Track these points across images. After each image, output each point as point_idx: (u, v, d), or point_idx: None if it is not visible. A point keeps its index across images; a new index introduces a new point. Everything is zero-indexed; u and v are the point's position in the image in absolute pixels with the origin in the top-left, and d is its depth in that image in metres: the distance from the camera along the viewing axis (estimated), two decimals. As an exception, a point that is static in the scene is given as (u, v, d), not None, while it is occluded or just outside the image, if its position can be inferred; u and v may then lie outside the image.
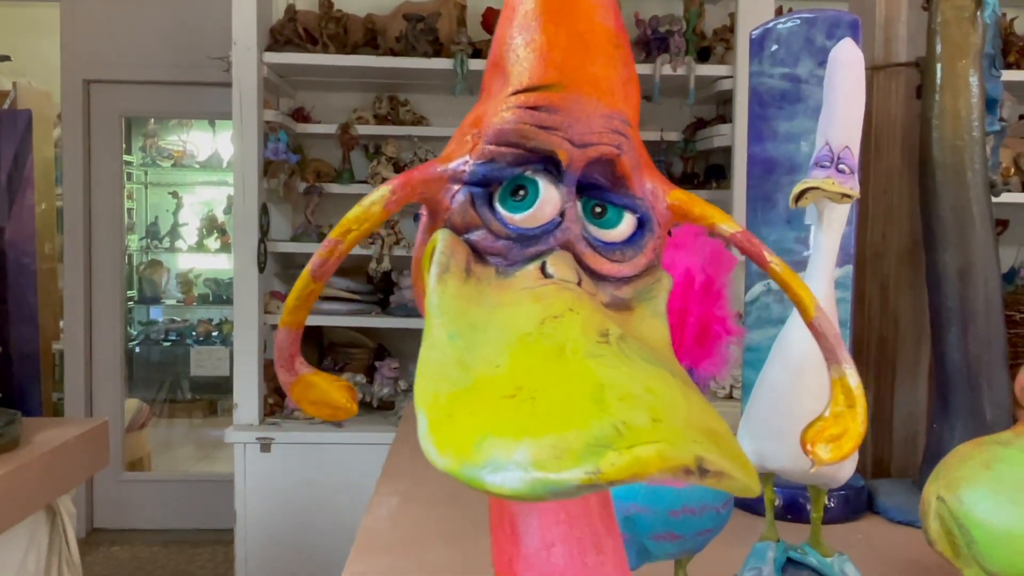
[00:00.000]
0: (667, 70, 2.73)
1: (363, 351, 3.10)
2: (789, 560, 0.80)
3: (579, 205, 0.25)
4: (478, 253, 0.24)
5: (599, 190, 0.25)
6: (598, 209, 0.25)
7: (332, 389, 0.31)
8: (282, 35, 2.72)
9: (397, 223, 2.85)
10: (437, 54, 2.74)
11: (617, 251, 0.25)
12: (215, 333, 5.08)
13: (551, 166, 0.24)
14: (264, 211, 2.70)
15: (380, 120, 2.99)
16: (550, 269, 0.23)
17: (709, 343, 0.60)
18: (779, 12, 2.82)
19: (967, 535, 0.61)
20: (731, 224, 0.31)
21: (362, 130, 2.92)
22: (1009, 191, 2.69)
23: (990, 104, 1.21)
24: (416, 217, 2.97)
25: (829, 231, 0.74)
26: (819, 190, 0.69)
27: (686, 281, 0.60)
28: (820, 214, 0.74)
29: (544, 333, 0.21)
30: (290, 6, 2.80)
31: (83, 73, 3.21)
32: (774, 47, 1.11)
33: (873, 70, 1.20)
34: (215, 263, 5.23)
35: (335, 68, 2.80)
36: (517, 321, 0.21)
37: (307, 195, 2.85)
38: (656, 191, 0.27)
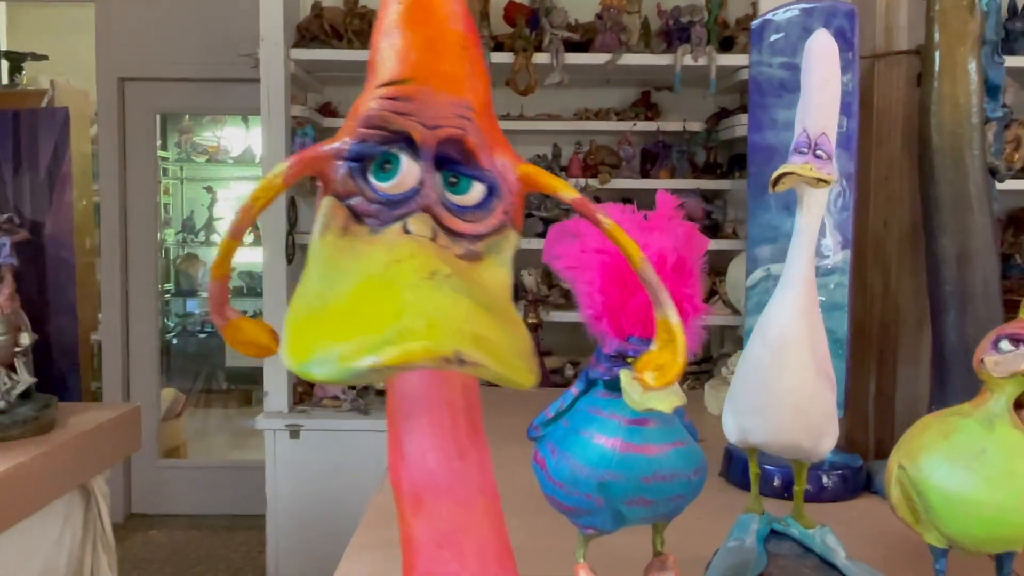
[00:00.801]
0: (688, 60, 2.74)
1: (390, 341, 3.16)
2: (773, 532, 0.83)
3: (437, 176, 0.30)
4: (357, 215, 0.29)
5: (453, 164, 0.30)
6: (453, 179, 0.31)
7: (258, 332, 0.36)
8: (308, 31, 2.78)
9: (421, 215, 2.90)
10: (460, 48, 2.78)
11: (469, 213, 0.30)
12: (247, 325, 5.18)
13: (409, 144, 0.29)
14: (292, 204, 2.77)
15: (405, 114, 3.03)
16: (410, 227, 0.29)
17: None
18: None
19: (924, 501, 0.63)
20: (570, 192, 0.36)
21: (387, 124, 2.97)
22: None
23: (993, 91, 1.22)
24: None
25: (808, 214, 0.77)
26: (795, 175, 0.72)
27: (659, 261, 0.63)
28: (800, 198, 0.77)
29: (385, 273, 0.26)
30: (316, 3, 2.86)
31: (118, 71, 3.30)
32: (773, 37, 1.13)
33: (874, 58, 1.22)
34: (250, 256, 5.32)
35: (360, 63, 2.85)
36: (370, 265, 0.26)
37: (334, 188, 2.91)
38: (507, 165, 0.32)
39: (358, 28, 2.81)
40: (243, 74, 2.79)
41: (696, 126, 2.98)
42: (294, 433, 2.68)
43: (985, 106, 1.20)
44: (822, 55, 0.74)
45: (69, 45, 4.02)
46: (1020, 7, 2.87)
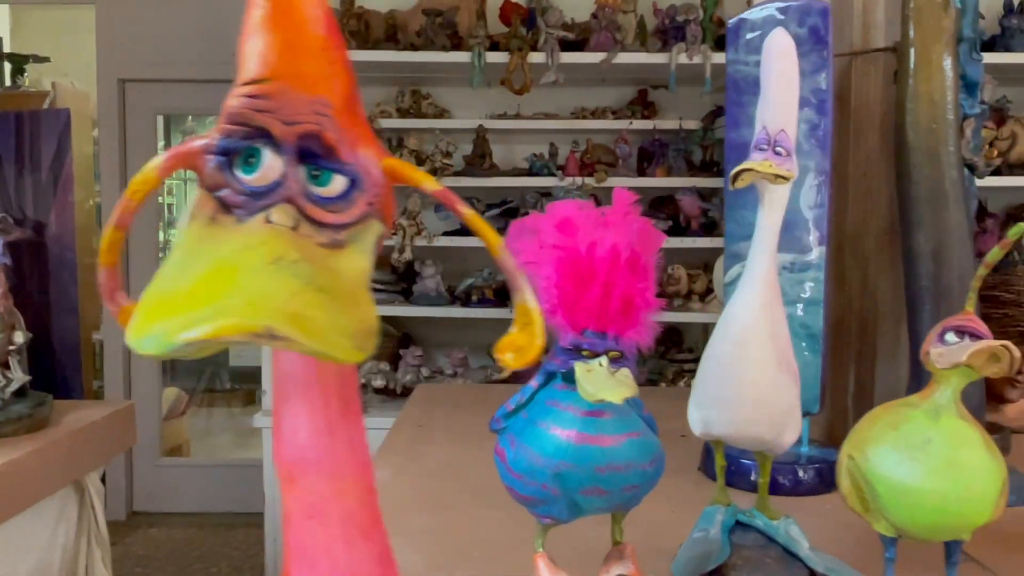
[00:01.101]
0: (683, 59, 2.75)
1: (388, 340, 3.18)
2: (739, 523, 0.84)
3: (300, 169, 0.32)
4: (227, 206, 0.31)
5: (315, 158, 0.32)
6: (315, 172, 0.33)
7: None
8: (305, 32, 2.80)
9: (419, 214, 2.92)
10: (456, 47, 2.80)
11: (332, 204, 0.32)
12: (252, 324, 5.22)
13: (270, 139, 0.31)
14: (289, 204, 2.78)
15: (403, 114, 3.06)
16: (272, 217, 0.31)
17: (633, 314, 0.64)
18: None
19: (872, 490, 0.64)
20: (433, 184, 0.37)
21: (385, 123, 2.99)
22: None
23: (971, 87, 1.23)
24: (437, 208, 3.03)
25: (769, 210, 0.78)
26: (753, 171, 0.73)
27: (612, 256, 0.64)
28: (761, 195, 0.78)
29: (233, 258, 0.28)
30: (313, 4, 2.88)
31: (118, 73, 3.33)
32: (749, 35, 1.15)
33: (851, 56, 1.22)
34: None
35: (357, 63, 2.83)
36: (222, 251, 0.28)
37: (331, 188, 2.93)
38: (370, 159, 0.34)
39: (355, 29, 2.83)
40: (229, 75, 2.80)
41: (692, 124, 2.99)
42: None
43: (963, 103, 1.21)
44: (780, 53, 0.75)
45: (72, 47, 4.06)
46: (1016, 4, 2.87)
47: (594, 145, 3.05)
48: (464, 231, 2.92)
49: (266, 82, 0.32)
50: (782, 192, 0.78)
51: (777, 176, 0.74)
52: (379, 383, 2.89)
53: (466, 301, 2.96)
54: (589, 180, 2.92)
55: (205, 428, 4.75)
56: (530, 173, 3.02)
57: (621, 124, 3.02)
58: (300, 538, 0.35)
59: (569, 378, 0.64)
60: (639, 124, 3.01)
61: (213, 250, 0.29)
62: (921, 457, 0.62)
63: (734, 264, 1.18)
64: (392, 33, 2.86)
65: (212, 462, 3.84)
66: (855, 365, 1.25)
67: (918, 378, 1.14)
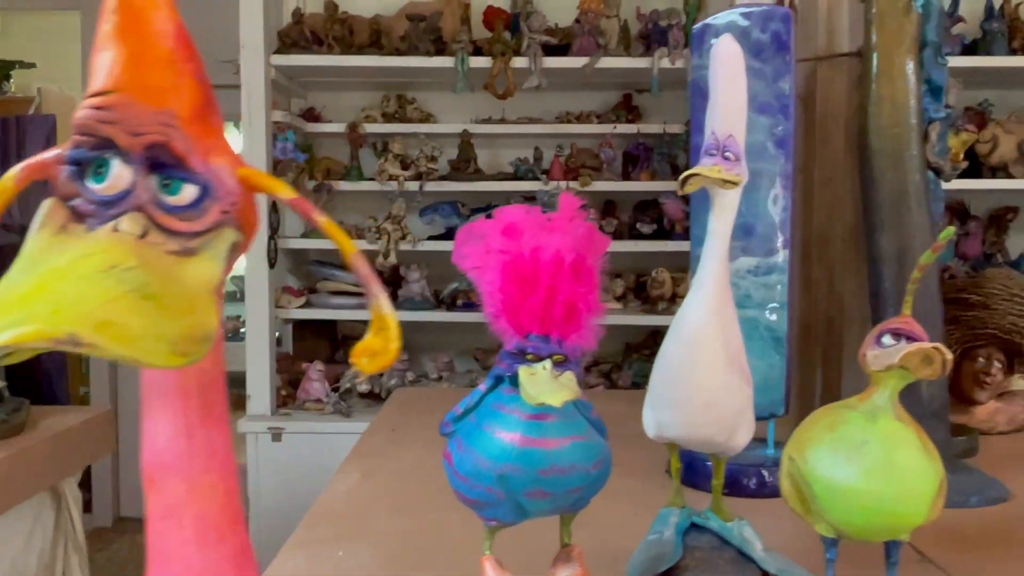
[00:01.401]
0: (666, 63, 2.76)
1: (374, 344, 3.18)
2: (694, 524, 0.85)
3: (152, 179, 0.33)
4: (80, 215, 0.32)
5: (165, 167, 0.33)
6: (166, 182, 0.34)
7: None
8: (289, 38, 2.81)
9: (403, 219, 2.92)
10: (440, 52, 2.81)
11: (183, 212, 0.33)
12: (242, 330, 5.22)
13: (117, 150, 0.32)
14: (274, 209, 2.79)
15: (388, 118, 3.06)
16: (120, 225, 0.32)
17: (576, 318, 0.65)
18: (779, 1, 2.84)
19: (811, 491, 0.65)
20: (288, 192, 0.38)
21: (370, 128, 3.00)
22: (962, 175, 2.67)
23: (936, 91, 1.24)
24: (422, 212, 3.03)
25: (720, 215, 0.79)
26: (701, 176, 0.74)
27: (556, 261, 0.65)
28: (711, 200, 0.79)
29: (68, 266, 0.29)
30: (296, 10, 2.89)
31: (104, 79, 3.33)
32: (712, 41, 1.15)
33: (817, 60, 1.23)
34: (240, 262, 5.35)
35: (342, 68, 2.88)
36: (60, 259, 0.29)
37: (316, 193, 2.93)
38: (224, 168, 0.34)
39: (339, 34, 2.84)
40: (227, 80, 2.81)
41: (676, 128, 3.00)
42: (276, 436, 2.70)
43: (928, 107, 1.22)
44: (726, 60, 0.76)
45: (59, 52, 4.05)
46: (997, 8, 2.89)
47: (579, 149, 3.06)
48: (449, 235, 2.93)
49: (111, 94, 0.33)
50: (732, 197, 0.79)
51: (725, 181, 0.75)
52: (364, 387, 2.89)
53: (451, 305, 2.97)
54: (574, 184, 2.93)
55: (194, 433, 4.73)
56: (515, 177, 3.02)
57: (605, 128, 3.03)
58: (156, 540, 0.36)
59: (515, 382, 0.65)
60: (623, 128, 3.02)
61: (52, 259, 0.30)
62: (857, 458, 0.62)
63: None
64: (376, 38, 2.87)
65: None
66: (822, 367, 1.26)
67: (882, 380, 1.15)
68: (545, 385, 0.62)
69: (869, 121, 1.14)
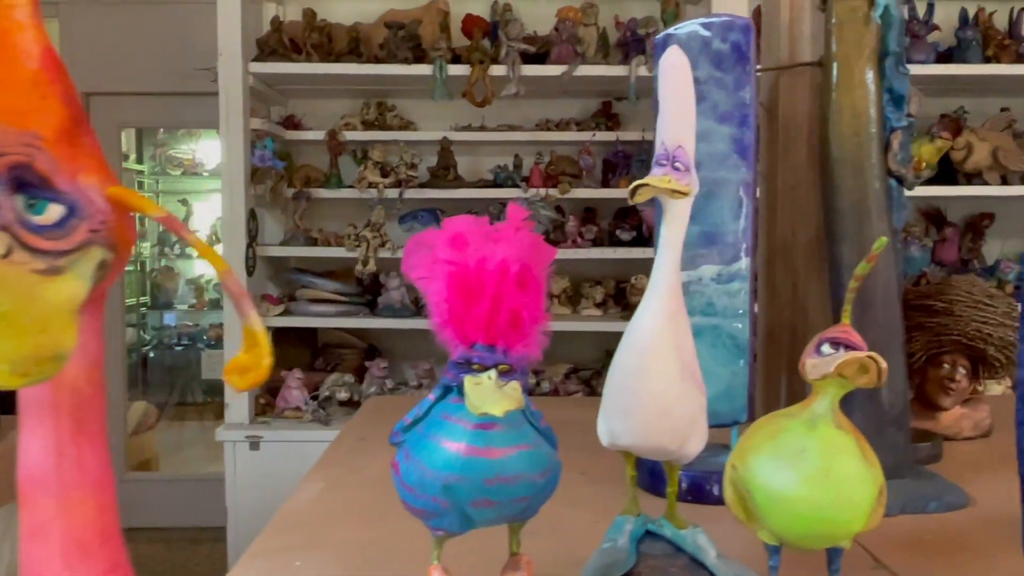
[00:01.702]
0: (643, 71, 2.78)
1: (354, 352, 3.18)
2: (648, 532, 0.85)
3: (17, 198, 0.33)
4: None
5: (30, 187, 0.33)
6: (32, 201, 0.34)
7: None
8: (267, 45, 2.81)
9: (383, 226, 2.92)
10: (419, 60, 2.81)
11: (49, 232, 0.33)
12: (225, 337, 5.21)
13: None
14: (252, 216, 2.79)
15: (367, 126, 3.07)
16: None
17: (521, 328, 0.66)
18: (756, 13, 2.85)
19: (752, 499, 0.66)
20: (158, 211, 0.39)
21: (350, 136, 3.01)
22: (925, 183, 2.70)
23: (898, 100, 1.25)
24: (401, 220, 3.03)
25: (671, 224, 0.79)
26: (650, 186, 0.74)
27: (501, 271, 0.65)
28: (663, 210, 0.79)
29: None
30: (275, 17, 2.89)
31: (82, 86, 3.31)
32: (674, 50, 1.16)
33: (779, 70, 1.25)
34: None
35: (321, 76, 2.88)
36: None
37: (295, 200, 2.94)
38: (92, 187, 0.35)
39: (317, 42, 2.84)
40: (208, 88, 2.81)
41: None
42: (254, 444, 2.69)
43: (890, 116, 1.23)
44: (673, 71, 0.77)
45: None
46: (971, 17, 2.92)
47: (558, 157, 3.07)
48: (428, 243, 2.92)
49: (-30, 118, 0.33)
50: (683, 206, 0.79)
51: (674, 191, 0.75)
52: (343, 395, 2.88)
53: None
54: (553, 191, 2.94)
55: (176, 442, 4.71)
56: (495, 185, 3.03)
57: (585, 136, 3.04)
58: (26, 557, 0.37)
59: (462, 391, 0.65)
60: (603, 136, 3.04)
61: None
62: (796, 466, 0.63)
63: (664, 276, 1.19)
64: (355, 46, 2.87)
65: (179, 476, 3.82)
66: (787, 374, 1.27)
67: (844, 387, 1.16)
68: (489, 395, 0.62)
69: (830, 130, 1.15)
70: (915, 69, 2.84)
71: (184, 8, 3.23)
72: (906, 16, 2.84)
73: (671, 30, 1.18)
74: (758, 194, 1.34)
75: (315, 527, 1.02)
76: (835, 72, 1.15)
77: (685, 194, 0.76)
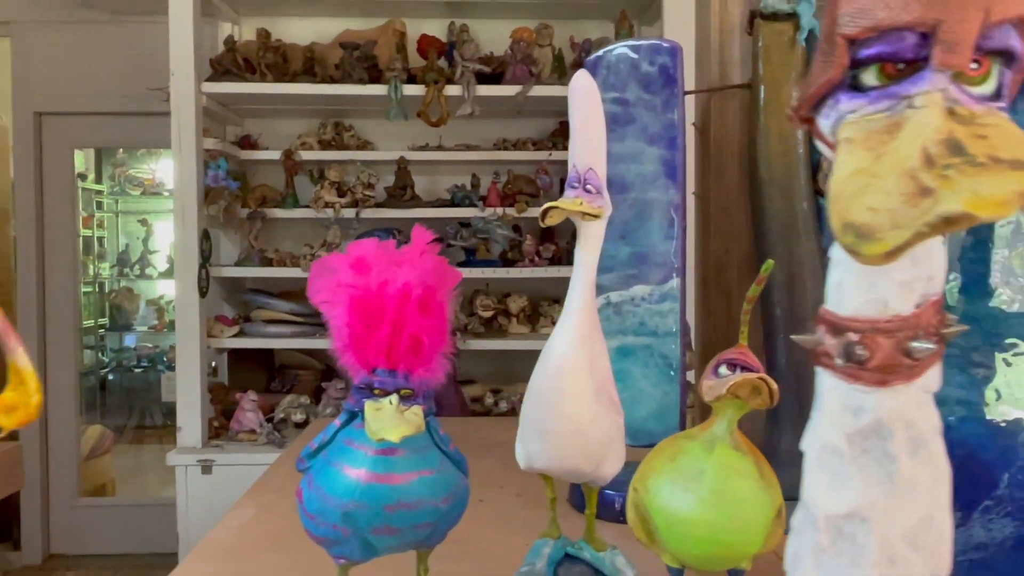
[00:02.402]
0: (597, 91, 2.79)
1: (311, 373, 3.15)
2: (567, 555, 0.85)
3: None
4: None
5: None
6: None
7: None
8: (221, 65, 2.79)
9: (339, 246, 2.90)
10: (375, 80, 2.81)
11: None
12: (186, 358, 5.14)
13: None
14: (206, 237, 2.76)
15: (324, 145, 3.06)
16: None
17: (422, 353, 0.65)
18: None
19: (652, 522, 0.66)
20: None
21: (306, 155, 2.99)
22: None
23: (828, 121, 1.27)
24: (357, 240, 3.03)
25: (585, 247, 0.79)
26: (560, 209, 0.75)
27: (403, 295, 0.65)
28: (578, 232, 0.80)
29: None
30: (228, 37, 2.88)
31: (34, 106, 3.28)
32: (605, 73, 1.17)
33: (710, 92, 1.26)
34: (172, 289, 5.29)
35: (276, 96, 2.87)
36: None
37: (250, 220, 2.91)
38: None
39: (272, 61, 2.83)
40: (162, 108, 2.78)
41: (611, 155, 3.03)
42: (206, 468, 2.65)
43: (820, 137, 1.25)
44: (582, 95, 0.77)
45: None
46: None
47: (515, 176, 3.07)
48: (384, 262, 2.91)
49: None
50: (597, 229, 0.80)
51: (585, 214, 0.76)
52: (299, 417, 2.85)
53: (388, 333, 2.95)
54: (510, 210, 2.94)
55: (134, 466, 4.63)
56: (452, 204, 3.03)
57: (541, 155, 3.05)
58: None
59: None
60: (559, 155, 3.05)
61: None
62: (694, 488, 0.63)
63: (598, 296, 1.19)
64: (310, 66, 2.86)
65: (134, 502, 3.75)
66: (722, 393, 1.27)
67: (774, 407, 1.17)
68: (388, 421, 0.62)
69: (758, 151, 1.17)
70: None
71: (138, 27, 3.21)
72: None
73: (600, 52, 1.19)
74: (692, 214, 1.35)
75: (237, 555, 1.00)
76: (763, 95, 1.17)
77: (596, 216, 0.77)
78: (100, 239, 5.29)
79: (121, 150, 5.09)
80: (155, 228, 5.32)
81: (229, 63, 2.79)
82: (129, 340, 5.41)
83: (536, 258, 2.99)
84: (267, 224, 3.00)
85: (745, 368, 0.64)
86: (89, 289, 5.14)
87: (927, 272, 0.43)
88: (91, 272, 5.16)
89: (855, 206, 0.35)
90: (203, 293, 2.73)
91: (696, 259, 1.28)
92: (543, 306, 3.07)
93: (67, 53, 3.26)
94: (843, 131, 0.40)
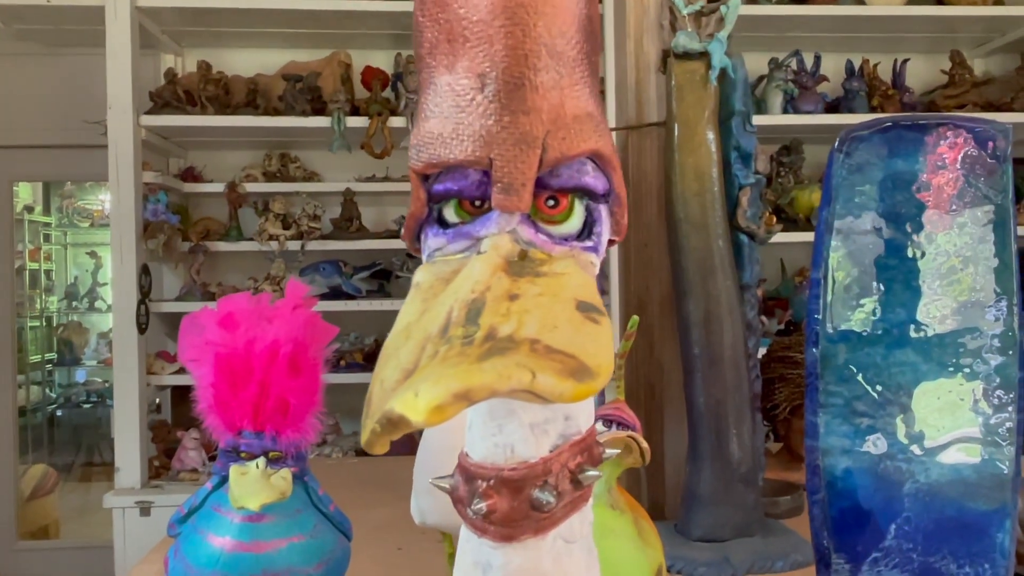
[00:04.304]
0: (542, 122, 2.80)
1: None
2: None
3: None
4: None
5: None
6: None
7: None
8: (161, 98, 2.76)
9: (283, 279, 2.87)
10: (319, 112, 2.80)
11: None
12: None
13: None
14: (145, 272, 2.70)
15: (269, 177, 3.03)
16: None
17: (291, 413, 0.63)
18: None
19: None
20: None
21: (251, 187, 2.96)
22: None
23: (746, 158, 1.27)
24: (302, 272, 2.98)
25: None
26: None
27: (271, 353, 0.63)
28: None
29: None
30: (169, 69, 2.85)
31: (-29, 139, 3.22)
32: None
33: (628, 129, 1.26)
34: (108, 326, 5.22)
35: (219, 128, 2.84)
36: None
37: (192, 254, 2.86)
38: None
39: (213, 94, 2.80)
40: (95, 141, 2.74)
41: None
42: (144, 510, 2.58)
43: (739, 173, 1.25)
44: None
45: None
46: (856, 68, 3.04)
47: (463, 206, 3.07)
48: (331, 295, 2.88)
49: None
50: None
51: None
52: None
53: (335, 366, 2.91)
54: (457, 241, 2.93)
55: (81, 505, 4.50)
56: (399, 235, 3.01)
57: (489, 185, 3.05)
58: None
59: (233, 480, 0.62)
60: (506, 185, 3.05)
61: None
62: (568, 551, 0.61)
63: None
64: (253, 98, 2.84)
65: (77, 544, 3.64)
66: (646, 431, 1.26)
67: (693, 444, 1.16)
68: (251, 487, 0.60)
69: (673, 190, 1.17)
70: (804, 119, 2.93)
71: (77, 60, 3.17)
72: (792, 70, 2.95)
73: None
74: (616, 253, 1.34)
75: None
76: (677, 133, 1.17)
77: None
78: (48, 272, 5.19)
79: (69, 182, 5.01)
80: (105, 260, 5.22)
81: (169, 95, 2.75)
82: (79, 375, 5.29)
83: (484, 289, 2.97)
84: (210, 257, 2.95)
85: (621, 424, 0.63)
86: (36, 323, 5.02)
87: (563, 412, 0.38)
88: (38, 306, 5.05)
89: (383, 371, 0.31)
90: (142, 329, 2.67)
91: (619, 298, 1.27)
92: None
93: (4, 86, 3.21)
94: (417, 273, 0.36)
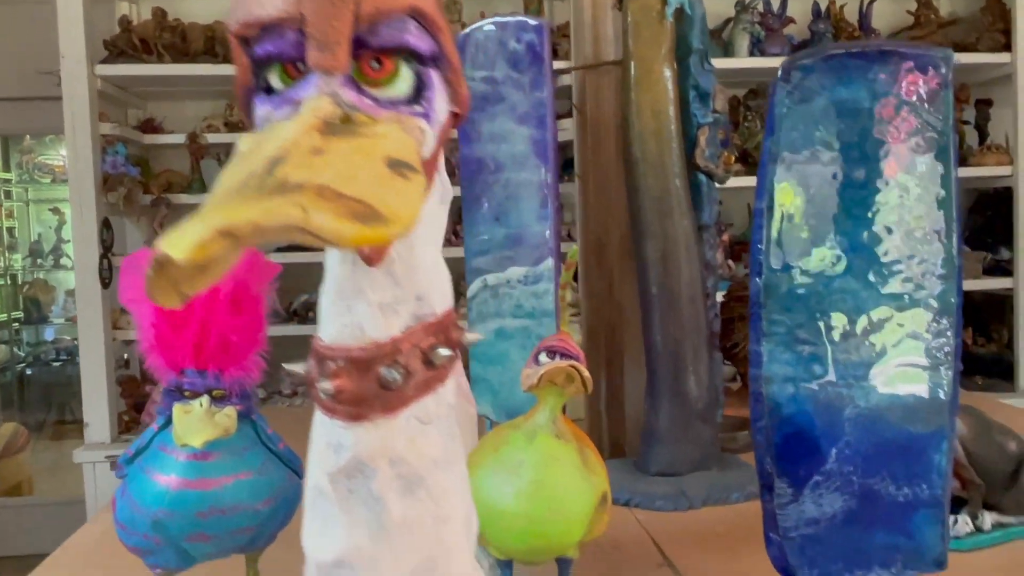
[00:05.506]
0: (508, 68, 2.76)
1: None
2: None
3: None
4: None
5: None
6: None
7: None
8: (116, 47, 2.68)
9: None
10: (279, 60, 2.73)
11: None
12: (106, 350, 4.99)
13: None
14: (107, 225, 2.66)
15: (232, 127, 2.97)
16: None
17: (234, 351, 0.63)
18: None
19: (478, 515, 0.64)
20: None
21: (213, 138, 2.90)
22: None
23: (704, 97, 1.26)
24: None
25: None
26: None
27: (211, 292, 0.62)
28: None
29: None
30: (123, 17, 2.77)
31: (-77, 93, 3.12)
32: (473, 51, 1.15)
33: (583, 69, 1.24)
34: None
35: (177, 78, 2.78)
36: None
37: (154, 207, 2.82)
38: None
39: (170, 42, 2.73)
40: (50, 92, 2.66)
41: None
42: (115, 464, 2.57)
43: (697, 112, 1.24)
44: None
45: None
46: (823, 9, 3.02)
47: (430, 155, 3.03)
48: (296, 247, 2.85)
49: None
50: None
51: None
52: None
53: (304, 318, 2.90)
54: (424, 191, 2.91)
55: (53, 462, 4.48)
56: (365, 185, 2.98)
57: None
58: None
59: (178, 419, 0.62)
60: (473, 133, 3.02)
61: None
62: (513, 479, 0.62)
63: (474, 279, 1.18)
64: (211, 46, 2.77)
65: (48, 500, 3.64)
66: (606, 372, 1.27)
67: (651, 383, 1.17)
68: (194, 424, 0.59)
69: (630, 129, 1.16)
70: (771, 61, 2.91)
71: (28, 8, 3.07)
72: (758, 12, 2.92)
73: (468, 30, 1.16)
74: (578, 195, 1.34)
75: (95, 568, 0.96)
76: (633, 71, 1.16)
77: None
78: (10, 229, 5.09)
79: (28, 136, 4.89)
80: (68, 217, 5.13)
81: (124, 44, 2.68)
82: (47, 333, 5.23)
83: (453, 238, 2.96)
84: (173, 210, 2.90)
85: (564, 355, 0.63)
86: (1, 282, 4.95)
87: (413, 292, 0.39)
88: (2, 264, 4.96)
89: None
90: (105, 284, 2.63)
91: (580, 239, 1.27)
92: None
93: (-46, 36, 3.10)
94: (239, 142, 0.35)
